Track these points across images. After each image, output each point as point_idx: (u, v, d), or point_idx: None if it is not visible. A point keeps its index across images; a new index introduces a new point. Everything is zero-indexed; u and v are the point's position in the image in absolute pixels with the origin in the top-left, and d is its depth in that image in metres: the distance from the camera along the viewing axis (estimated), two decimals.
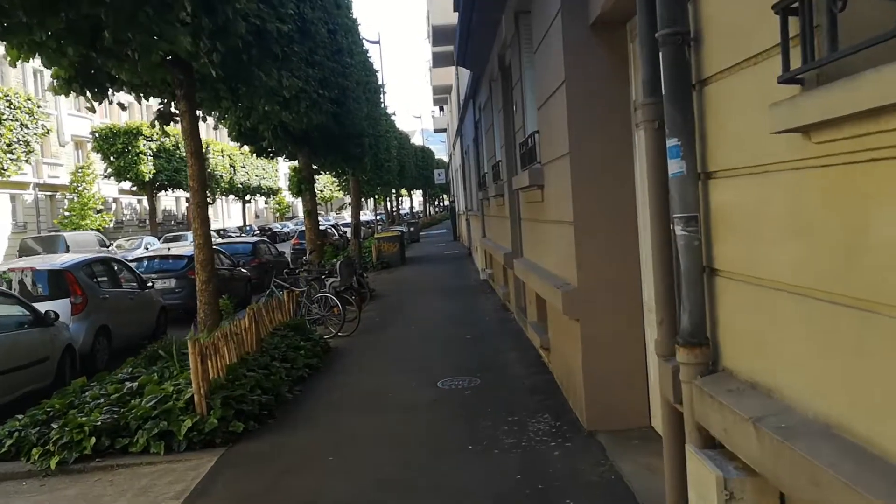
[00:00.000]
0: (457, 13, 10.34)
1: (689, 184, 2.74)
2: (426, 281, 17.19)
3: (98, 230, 29.63)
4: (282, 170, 52.96)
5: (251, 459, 5.40)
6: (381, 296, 14.71)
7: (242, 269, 15.87)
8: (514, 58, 8.25)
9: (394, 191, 41.57)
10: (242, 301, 13.34)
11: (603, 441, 5.00)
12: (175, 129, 9.26)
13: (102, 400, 6.19)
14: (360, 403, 6.72)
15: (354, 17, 16.21)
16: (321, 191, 53.67)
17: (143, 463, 5.43)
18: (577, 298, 5.16)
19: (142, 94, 8.43)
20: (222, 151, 44.07)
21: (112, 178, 35.18)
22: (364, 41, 18.96)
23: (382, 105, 24.84)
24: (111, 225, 36.30)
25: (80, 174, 32.45)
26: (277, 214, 66.60)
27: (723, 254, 2.70)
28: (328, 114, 12.73)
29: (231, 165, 45.44)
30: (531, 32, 7.07)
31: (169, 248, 17.10)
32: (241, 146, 14.68)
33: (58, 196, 35.65)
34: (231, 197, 51.92)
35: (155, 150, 35.11)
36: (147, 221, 40.92)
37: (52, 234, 26.60)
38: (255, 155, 15.15)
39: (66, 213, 31.78)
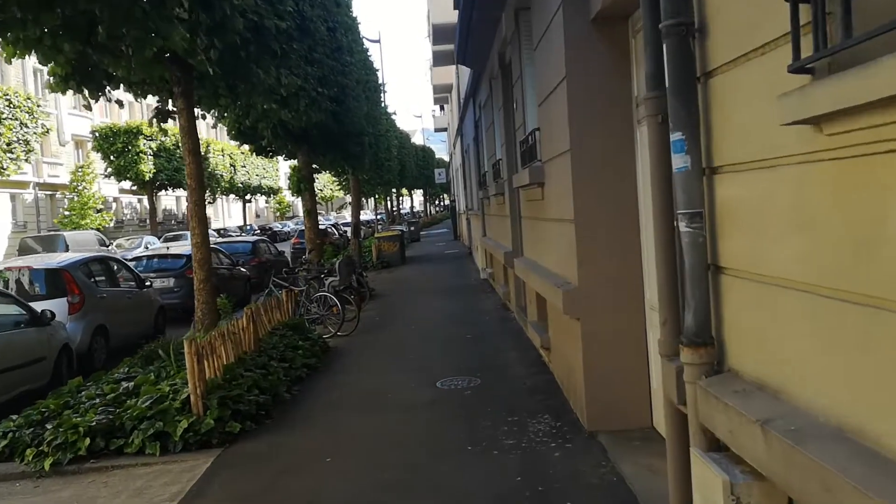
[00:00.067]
0: (457, 11, 10.27)
1: (693, 179, 2.66)
2: (426, 280, 17.13)
3: (98, 230, 29.56)
4: (282, 169, 52.88)
5: (248, 460, 5.33)
6: (380, 295, 14.64)
7: (242, 269, 15.81)
8: (515, 55, 8.18)
9: (394, 190, 41.50)
10: (242, 300, 13.28)
11: (604, 442, 4.93)
12: (175, 127, 9.19)
13: (98, 400, 6.12)
14: (358, 403, 6.65)
15: (354, 15, 16.14)
16: (321, 190, 53.59)
17: (138, 464, 5.36)
18: (577, 297, 5.09)
19: (139, 92, 8.37)
20: (222, 151, 44.01)
21: (112, 177, 35.12)
22: (364, 40, 18.91)
23: (383, 104, 24.78)
24: (111, 224, 36.23)
25: (80, 173, 32.37)
26: (278, 214, 66.56)
27: (728, 251, 2.63)
28: (327, 112, 12.67)
29: (231, 165, 45.38)
30: (531, 29, 7.00)
31: (168, 248, 17.03)
32: (241, 145, 14.61)
33: (58, 195, 35.58)
34: (231, 196, 51.86)
35: (155, 149, 35.05)
36: (147, 221, 40.86)
37: (52, 233, 26.54)
38: (254, 154, 15.10)
39: (66, 213, 31.70)
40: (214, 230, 40.38)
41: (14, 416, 6.03)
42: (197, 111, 9.49)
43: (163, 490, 4.86)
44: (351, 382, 7.55)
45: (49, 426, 5.70)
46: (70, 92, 7.62)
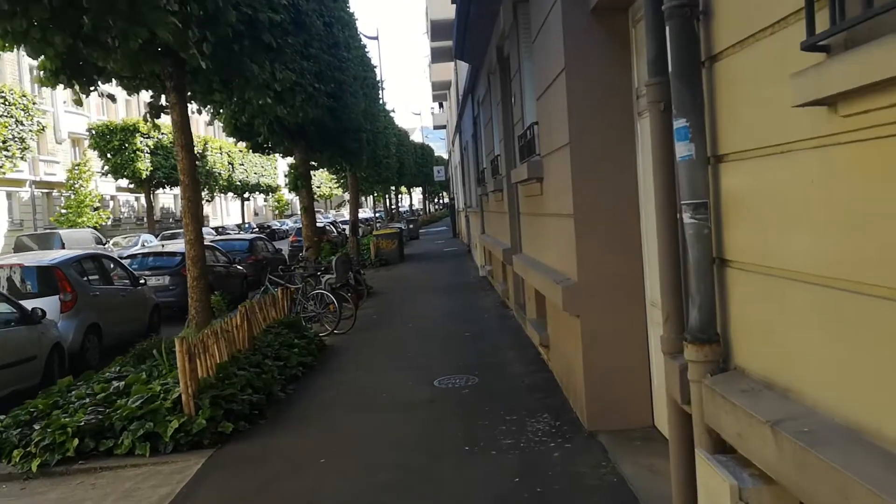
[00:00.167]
0: (454, 6, 10.14)
1: (698, 168, 2.54)
2: (425, 278, 17.02)
3: (95, 228, 29.41)
4: (281, 167, 52.74)
5: (240, 461, 5.21)
6: (378, 293, 14.53)
7: (238, 266, 15.69)
8: (513, 49, 8.06)
9: (393, 188, 41.36)
10: (238, 298, 13.14)
11: (604, 441, 4.82)
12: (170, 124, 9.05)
13: (88, 400, 6.00)
14: (354, 403, 6.53)
15: (351, 11, 16.00)
16: (318, 187, 53.43)
17: (127, 465, 5.24)
18: (577, 294, 4.98)
19: (131, 86, 8.23)
20: (220, 149, 43.84)
21: (109, 175, 34.95)
22: (362, 36, 18.78)
23: (381, 101, 24.64)
24: (108, 222, 36.07)
25: (77, 171, 32.22)
26: (276, 212, 66.41)
27: (735, 243, 2.51)
28: (324, 108, 12.53)
29: (230, 163, 45.23)
30: (530, 21, 6.88)
31: (163, 245, 16.90)
32: (238, 142, 14.46)
33: (54, 193, 35.44)
34: (230, 194, 51.70)
35: (152, 147, 34.86)
36: (145, 219, 40.72)
37: (48, 231, 26.40)
38: (251, 151, 14.97)
39: (63, 211, 31.56)
40: (212, 228, 40.28)
41: (2, 417, 5.91)
42: (192, 107, 9.37)
43: (151, 492, 4.75)
44: (347, 381, 7.44)
45: (37, 426, 5.58)
46: (67, 90, 7.51)
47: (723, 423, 2.32)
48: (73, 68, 7.22)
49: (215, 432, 5.55)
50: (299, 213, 16.85)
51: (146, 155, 34.56)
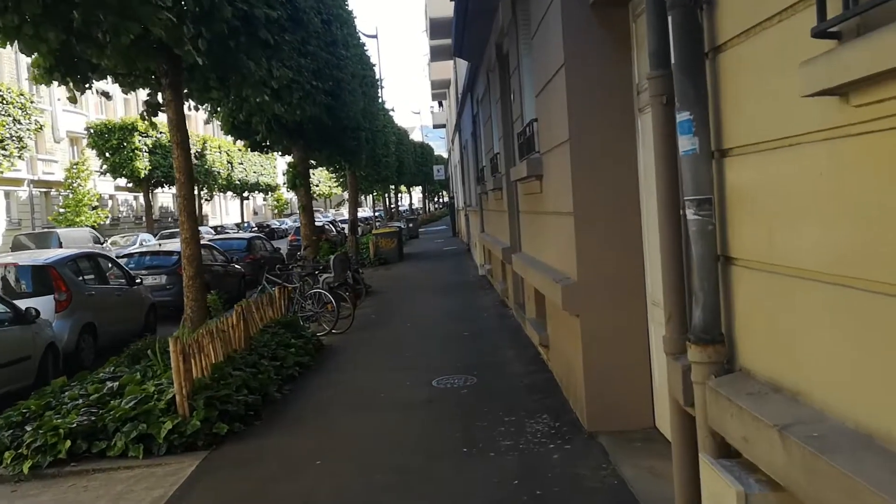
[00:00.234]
0: (453, 3, 10.05)
1: (702, 163, 2.46)
2: (424, 277, 16.95)
3: (93, 227, 29.32)
4: (280, 166, 52.65)
5: (235, 463, 5.13)
6: (377, 292, 14.45)
7: (236, 266, 15.60)
8: (512, 45, 7.98)
9: (392, 187, 41.27)
10: (236, 297, 13.03)
11: (604, 443, 4.74)
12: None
13: (81, 401, 5.91)
14: (351, 404, 6.45)
15: (350, 8, 15.91)
16: (316, 185, 53.27)
17: (120, 467, 5.16)
18: (577, 293, 4.90)
19: (126, 83, 8.15)
20: (220, 147, 43.74)
21: (107, 174, 34.85)
22: (361, 35, 18.69)
23: (380, 100, 24.55)
24: (107, 222, 35.97)
25: (75, 170, 32.13)
26: (276, 211, 66.32)
27: (740, 240, 2.42)
28: (322, 106, 12.45)
29: (229, 162, 45.13)
30: (529, 17, 6.80)
31: (160, 245, 16.81)
32: (236, 140, 14.38)
33: (53, 192, 35.35)
34: (229, 193, 51.61)
35: (150, 145, 34.76)
36: (143, 218, 40.63)
37: (45, 230, 26.31)
38: (249, 149, 14.88)
39: (61, 210, 31.46)
40: (211, 227, 40.19)
41: None
42: (189, 104, 9.29)
43: (144, 495, 4.67)
44: (344, 381, 7.36)
45: (29, 428, 5.50)
46: (63, 87, 7.44)
47: (728, 427, 2.23)
48: (67, 65, 7.15)
49: (210, 434, 5.47)
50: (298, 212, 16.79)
51: (145, 154, 34.46)
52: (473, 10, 9.11)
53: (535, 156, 6.51)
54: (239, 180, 47.28)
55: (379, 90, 23.84)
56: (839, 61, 1.60)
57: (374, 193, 36.09)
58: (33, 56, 6.88)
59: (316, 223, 18.28)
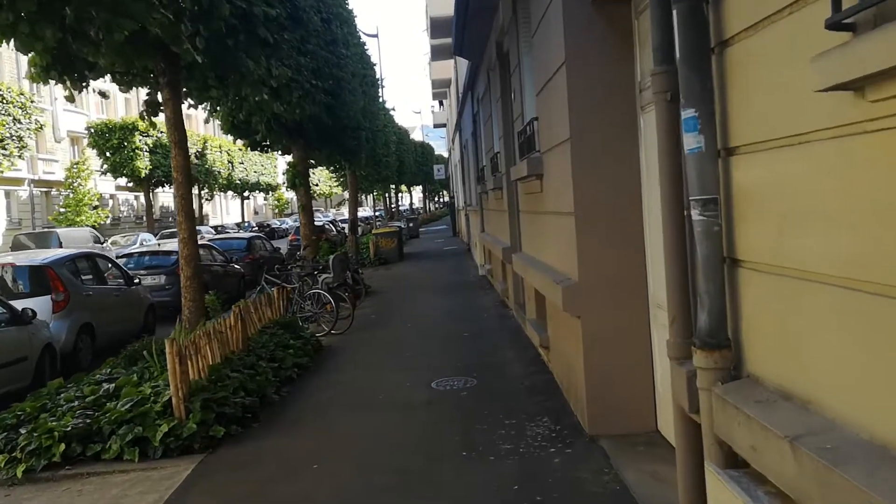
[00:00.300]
0: (454, 1, 9.97)
1: (707, 161, 2.38)
2: (424, 277, 16.87)
3: (94, 227, 29.26)
4: (280, 166, 52.59)
5: (232, 466, 5.06)
6: (377, 292, 14.38)
7: (236, 266, 15.53)
8: (512, 44, 7.90)
9: (393, 186, 41.20)
10: (235, 297, 12.97)
11: (606, 447, 4.66)
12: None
13: (77, 403, 5.84)
14: (349, 406, 6.38)
15: (350, 7, 15.84)
16: (316, 185, 53.20)
17: (115, 471, 5.08)
18: (577, 294, 4.82)
19: (124, 82, 8.07)
20: (220, 147, 43.67)
21: (108, 173, 34.79)
22: (361, 34, 18.61)
23: (381, 99, 24.47)
24: (107, 221, 35.91)
25: (76, 170, 32.06)
26: (276, 210, 66.25)
27: (747, 241, 2.34)
28: (322, 105, 12.38)
29: (229, 161, 45.06)
30: (529, 15, 6.72)
31: (159, 245, 16.74)
32: (236, 140, 14.30)
33: (53, 192, 35.29)
34: (230, 193, 51.54)
35: (151, 145, 34.69)
36: (144, 218, 40.58)
37: (46, 230, 26.25)
38: (248, 149, 14.81)
39: (62, 210, 31.41)
40: (212, 227, 40.12)
41: None
42: (188, 103, 9.22)
43: (139, 499, 4.60)
44: (343, 382, 7.29)
45: (24, 431, 5.42)
46: (62, 87, 7.37)
47: (735, 436, 2.15)
48: (63, 63, 7.07)
49: (206, 436, 5.39)
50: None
51: (145, 153, 34.40)
52: (474, 8, 9.03)
53: (535, 155, 6.44)
54: (239, 180, 47.21)
55: (379, 89, 23.76)
56: (854, 54, 1.52)
57: (375, 193, 36.01)
58: (30, 54, 6.82)
59: (316, 223, 18.21)
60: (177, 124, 7.84)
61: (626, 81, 4.69)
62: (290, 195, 56.97)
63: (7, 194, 32.86)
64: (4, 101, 25.20)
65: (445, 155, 53.37)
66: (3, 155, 25.07)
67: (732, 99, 2.37)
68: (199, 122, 46.29)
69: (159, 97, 8.26)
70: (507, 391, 6.31)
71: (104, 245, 24.56)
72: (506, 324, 9.70)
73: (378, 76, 23.04)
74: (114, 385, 6.11)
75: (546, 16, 5.50)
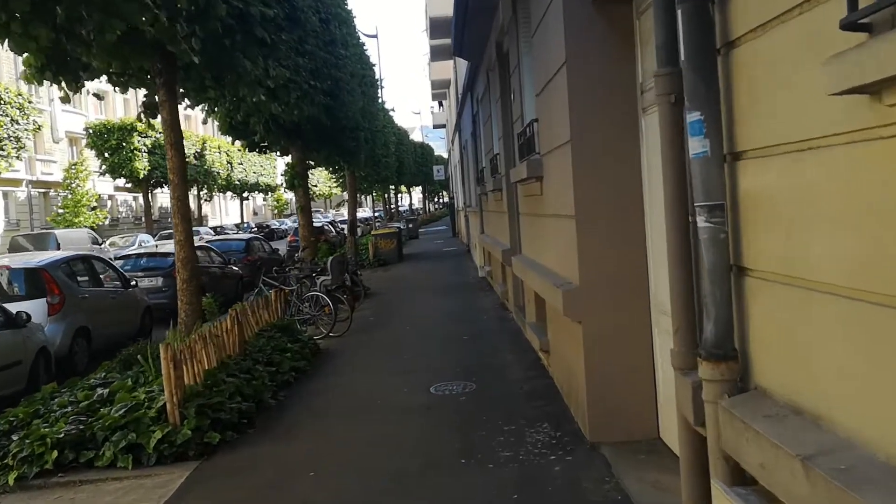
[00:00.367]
0: (453, 1, 9.90)
1: (713, 166, 2.30)
2: (423, 278, 16.79)
3: (92, 228, 29.18)
4: (280, 167, 52.53)
5: (227, 473, 4.99)
6: (376, 294, 14.30)
7: (234, 267, 15.44)
8: (512, 44, 7.83)
9: (392, 187, 41.13)
10: (233, 299, 12.87)
11: (607, 454, 4.58)
12: None
13: (70, 408, 5.75)
14: (347, 411, 6.30)
15: (349, 8, 15.78)
16: (315, 186, 53.14)
17: (108, 478, 5.00)
18: (578, 298, 4.74)
19: (119, 82, 7.99)
20: (219, 148, 43.59)
21: (106, 174, 34.70)
22: (360, 34, 18.55)
23: (380, 100, 24.40)
24: (106, 222, 35.83)
25: (74, 171, 31.98)
26: (276, 211, 66.17)
27: (755, 249, 2.27)
28: (320, 106, 12.32)
29: (228, 162, 44.98)
30: (529, 15, 6.65)
31: (157, 246, 16.65)
32: (234, 141, 14.23)
33: (51, 193, 35.20)
34: (229, 194, 51.46)
35: (150, 146, 34.60)
36: (143, 218, 40.48)
37: (43, 231, 26.15)
38: (247, 149, 14.73)
39: (60, 211, 31.32)
40: (211, 228, 40.05)
41: None
42: (185, 104, 9.14)
43: None
44: (341, 386, 7.21)
45: (16, 437, 5.34)
46: (58, 88, 7.30)
47: (743, 452, 2.08)
48: (58, 64, 7.01)
49: (201, 443, 5.31)
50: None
51: (144, 154, 34.30)
52: (473, 8, 8.96)
53: (535, 157, 6.36)
54: (238, 180, 47.13)
55: (379, 90, 23.71)
56: (871, 56, 1.44)
57: (374, 194, 35.95)
58: (25, 55, 6.75)
59: (315, 224, 18.14)
60: (173, 126, 7.77)
61: (627, 82, 4.62)
62: (290, 196, 56.96)
63: (5, 195, 32.79)
64: (2, 102, 25.12)
65: (445, 155, 53.31)
66: (1, 156, 25.00)
67: (739, 102, 2.29)
68: (198, 123, 46.19)
69: (155, 98, 8.19)
70: (506, 396, 6.23)
71: (102, 246, 24.47)
72: (505, 326, 9.62)
73: (377, 77, 22.99)
74: (108, 390, 6.02)
75: (546, 16, 5.42)
